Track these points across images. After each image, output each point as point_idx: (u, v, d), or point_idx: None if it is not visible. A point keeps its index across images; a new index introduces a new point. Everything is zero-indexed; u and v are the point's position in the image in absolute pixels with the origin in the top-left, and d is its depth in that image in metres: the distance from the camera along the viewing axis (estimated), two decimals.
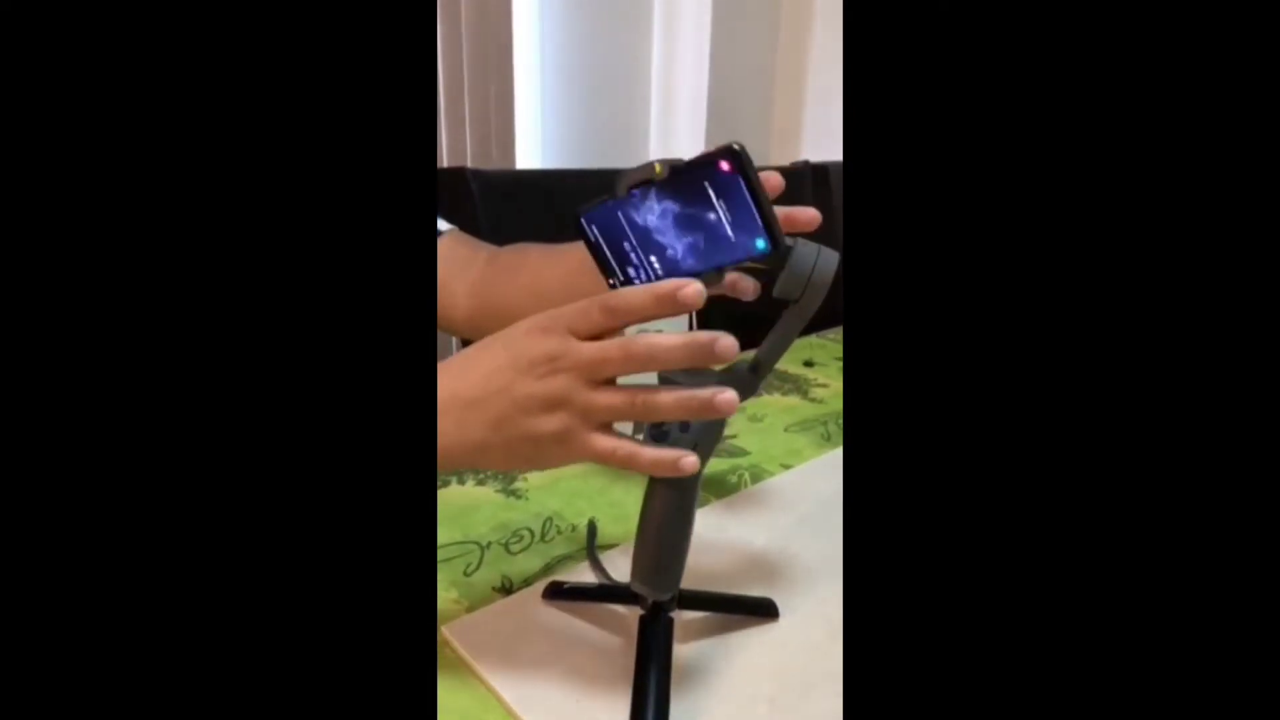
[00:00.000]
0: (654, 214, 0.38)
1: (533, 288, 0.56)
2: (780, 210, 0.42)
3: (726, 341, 0.34)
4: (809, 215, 0.42)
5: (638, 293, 0.35)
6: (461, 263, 0.61)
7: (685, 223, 0.38)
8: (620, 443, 0.37)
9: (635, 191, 0.38)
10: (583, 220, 0.41)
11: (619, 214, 0.39)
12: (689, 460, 0.37)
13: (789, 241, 0.38)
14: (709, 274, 0.38)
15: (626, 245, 0.40)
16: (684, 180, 0.37)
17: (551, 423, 0.36)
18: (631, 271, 0.41)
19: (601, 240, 0.41)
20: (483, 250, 0.63)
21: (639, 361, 0.35)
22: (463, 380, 0.38)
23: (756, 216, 0.36)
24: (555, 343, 0.36)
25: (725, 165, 0.35)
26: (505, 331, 0.39)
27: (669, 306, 0.35)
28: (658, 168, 0.37)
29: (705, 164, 0.36)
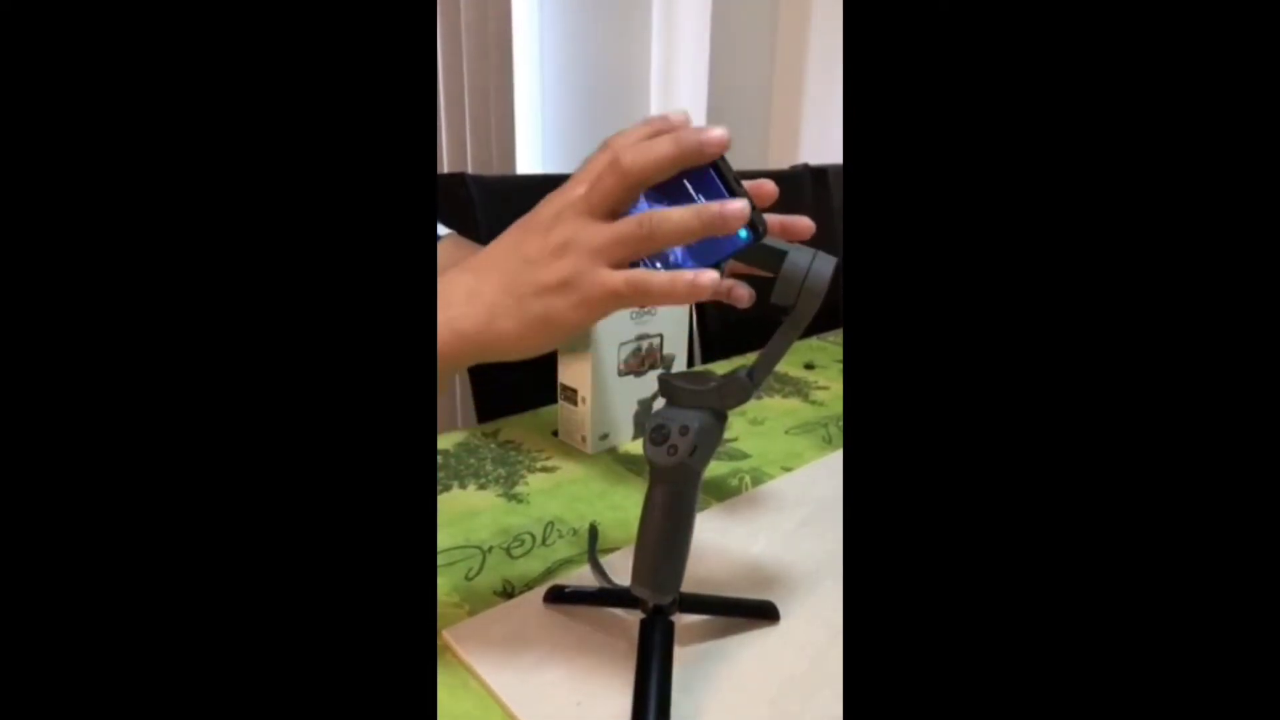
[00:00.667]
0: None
1: None
2: (775, 218, 0.43)
3: (735, 205, 0.34)
4: (804, 224, 0.42)
5: (648, 146, 0.35)
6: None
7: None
8: (630, 273, 0.35)
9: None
10: None
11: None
12: (706, 276, 0.35)
13: (783, 247, 0.38)
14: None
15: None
16: (667, 181, 0.37)
17: (560, 268, 0.35)
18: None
19: None
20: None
21: (634, 177, 0.34)
22: (477, 259, 0.38)
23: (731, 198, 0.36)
24: (559, 199, 0.36)
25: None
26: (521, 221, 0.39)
27: (687, 154, 0.35)
28: None
29: None
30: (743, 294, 0.45)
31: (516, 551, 0.57)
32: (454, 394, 1.69)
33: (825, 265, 0.38)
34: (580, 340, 0.70)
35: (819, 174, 1.47)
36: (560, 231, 0.36)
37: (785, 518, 0.62)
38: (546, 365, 0.76)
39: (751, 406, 0.87)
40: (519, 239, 0.37)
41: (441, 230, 0.66)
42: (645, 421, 0.42)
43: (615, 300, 0.36)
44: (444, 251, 0.63)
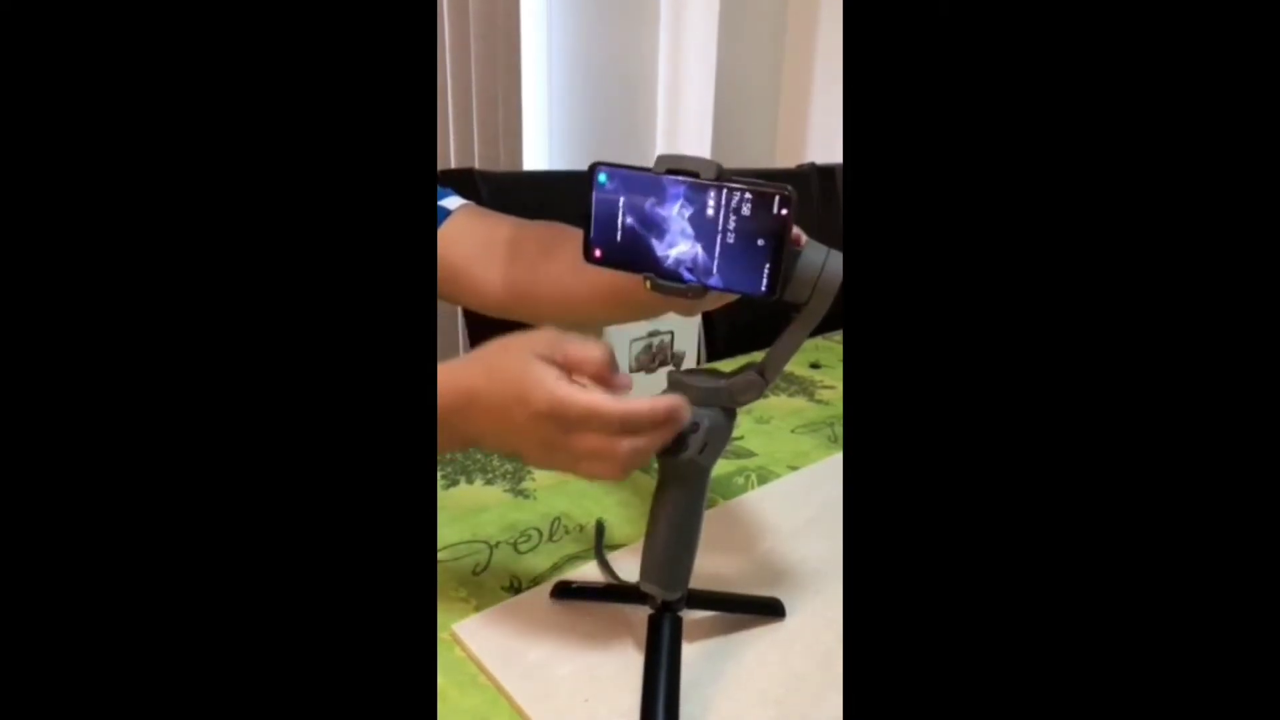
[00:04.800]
0: (674, 206, 0.38)
1: (562, 300, 0.57)
2: None
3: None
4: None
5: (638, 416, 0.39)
6: (483, 243, 0.61)
7: (700, 231, 0.38)
8: (637, 455, 0.40)
9: (669, 177, 0.38)
10: (600, 171, 0.40)
11: (641, 187, 0.39)
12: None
13: (801, 243, 0.39)
14: (694, 286, 0.39)
15: (630, 219, 0.39)
16: (727, 195, 0.37)
17: (541, 463, 0.42)
18: (618, 238, 0.40)
19: (606, 199, 0.40)
20: (500, 226, 0.62)
21: (622, 463, 0.39)
22: (502, 436, 0.42)
23: (769, 264, 0.37)
24: (547, 427, 0.39)
25: (780, 209, 0.36)
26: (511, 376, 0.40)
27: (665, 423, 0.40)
28: (704, 168, 0.38)
29: (759, 193, 0.37)
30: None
31: (524, 547, 0.57)
32: None
33: (839, 262, 0.38)
34: (592, 334, 0.70)
35: (826, 173, 1.47)
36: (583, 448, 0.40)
37: (791, 516, 0.62)
38: None
39: (758, 405, 0.88)
40: (535, 440, 0.40)
41: (456, 201, 0.64)
42: None
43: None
44: (464, 226, 0.62)
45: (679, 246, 0.39)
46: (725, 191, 0.37)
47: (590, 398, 0.38)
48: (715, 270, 0.38)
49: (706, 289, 0.39)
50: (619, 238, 0.39)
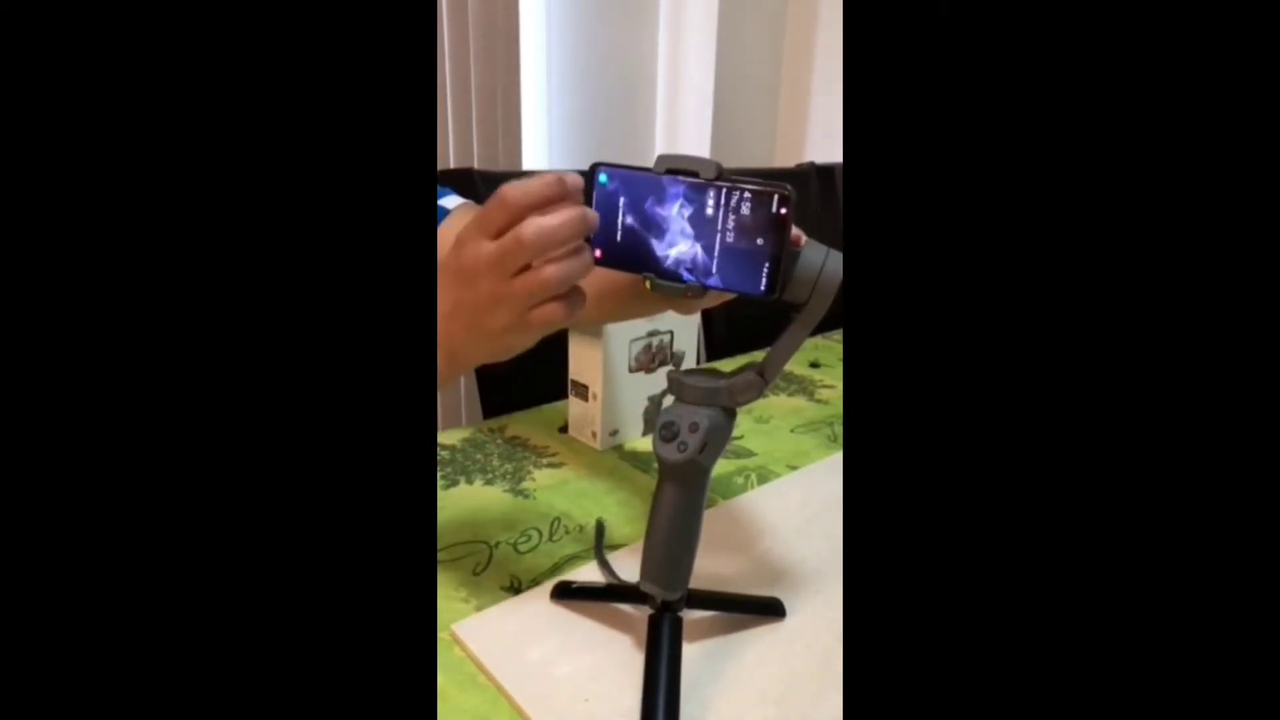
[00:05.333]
0: (674, 206, 0.38)
1: None
2: None
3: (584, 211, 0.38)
4: None
5: (530, 182, 0.38)
6: None
7: (700, 231, 0.38)
8: (556, 306, 0.39)
9: (669, 177, 0.38)
10: (601, 171, 0.40)
11: (641, 187, 0.39)
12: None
13: (800, 243, 0.39)
14: (694, 286, 0.39)
15: (630, 219, 0.39)
16: (727, 194, 0.37)
17: (500, 318, 0.39)
18: (618, 237, 0.40)
19: (607, 198, 0.40)
20: None
21: (531, 245, 0.37)
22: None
23: (769, 263, 0.37)
24: (471, 249, 0.39)
25: (780, 208, 0.36)
26: (449, 253, 0.41)
27: (556, 189, 0.37)
28: (704, 168, 0.38)
29: (758, 192, 0.37)
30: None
31: (523, 547, 0.57)
32: (459, 391, 1.69)
33: (838, 262, 0.38)
34: (592, 331, 0.70)
35: (825, 172, 1.47)
36: (485, 288, 0.39)
37: (791, 516, 0.62)
38: (551, 361, 0.76)
39: (757, 405, 0.88)
40: (457, 293, 0.40)
41: (455, 200, 0.65)
42: (655, 418, 0.42)
43: (554, 327, 0.39)
44: (461, 222, 0.63)
45: (678, 246, 0.39)
46: (725, 191, 0.37)
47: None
48: (715, 270, 0.38)
49: (706, 289, 0.39)
50: (619, 237, 0.40)
